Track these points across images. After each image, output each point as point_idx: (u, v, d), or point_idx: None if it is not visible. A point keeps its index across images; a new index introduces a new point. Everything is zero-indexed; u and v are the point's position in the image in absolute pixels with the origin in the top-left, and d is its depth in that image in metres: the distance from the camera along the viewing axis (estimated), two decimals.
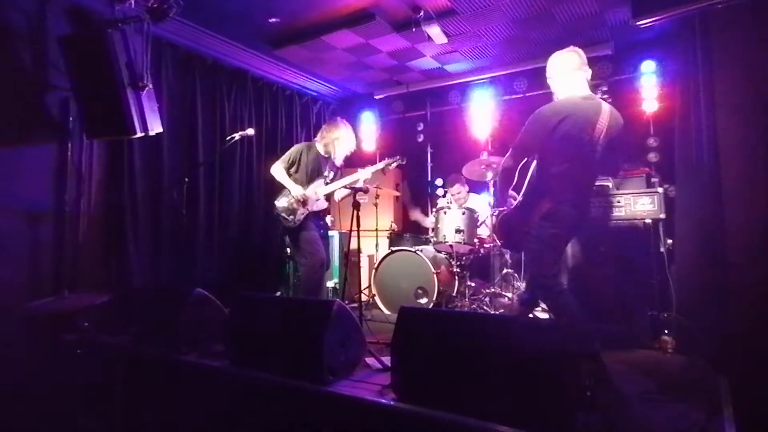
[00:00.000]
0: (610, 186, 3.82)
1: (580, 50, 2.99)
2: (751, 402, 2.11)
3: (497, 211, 3.58)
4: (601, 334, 2.89)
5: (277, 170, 4.09)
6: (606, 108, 2.84)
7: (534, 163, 3.01)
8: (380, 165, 4.17)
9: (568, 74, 2.97)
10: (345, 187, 4.05)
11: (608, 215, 3.75)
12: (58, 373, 3.14)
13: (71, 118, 3.63)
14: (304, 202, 3.98)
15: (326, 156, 4.20)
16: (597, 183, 3.32)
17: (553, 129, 2.79)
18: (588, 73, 2.96)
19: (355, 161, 4.35)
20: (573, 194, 2.82)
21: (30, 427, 2.97)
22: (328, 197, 4.17)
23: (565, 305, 2.80)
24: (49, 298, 3.24)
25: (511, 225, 3.12)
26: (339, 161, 4.24)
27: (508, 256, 4.65)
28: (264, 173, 4.25)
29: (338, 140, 4.13)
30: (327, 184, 4.13)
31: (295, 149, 4.21)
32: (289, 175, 4.11)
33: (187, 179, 3.88)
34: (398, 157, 4.25)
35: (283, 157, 4.17)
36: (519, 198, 3.07)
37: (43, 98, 3.57)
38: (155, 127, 3.39)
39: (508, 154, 3.01)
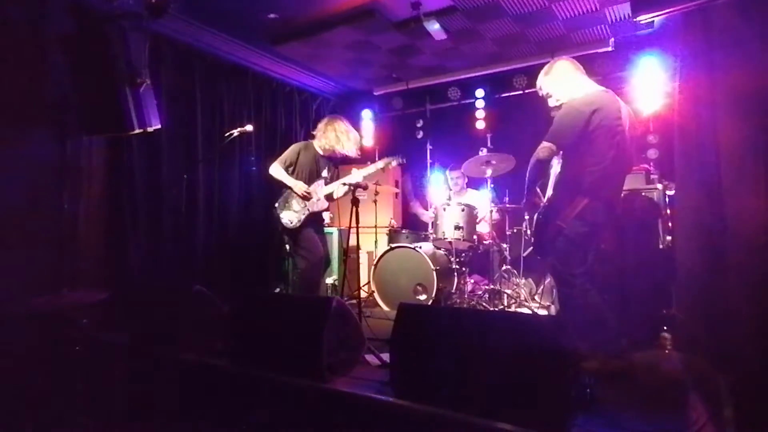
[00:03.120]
0: None
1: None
2: (751, 401, 2.11)
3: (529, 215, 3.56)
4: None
5: (276, 170, 3.97)
6: (621, 101, 2.85)
7: (559, 161, 2.94)
8: (379, 164, 4.09)
9: (577, 75, 2.98)
10: (344, 184, 3.98)
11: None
12: (58, 371, 3.14)
13: (70, 115, 3.61)
14: (306, 198, 3.90)
15: (324, 155, 4.11)
16: None
17: (588, 121, 2.72)
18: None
19: (353, 158, 4.32)
20: (608, 191, 2.80)
21: (29, 425, 2.97)
22: (328, 197, 4.06)
23: (591, 306, 2.75)
24: (49, 296, 3.24)
25: (540, 227, 3.01)
26: (354, 154, 4.12)
27: (507, 253, 4.65)
28: (263, 170, 4.24)
29: (341, 137, 4.01)
30: (327, 183, 4.05)
31: (292, 149, 4.08)
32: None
33: (186, 176, 3.87)
34: (399, 156, 4.15)
35: (281, 157, 4.05)
36: (544, 199, 3.05)
37: (42, 94, 3.56)
38: (154, 124, 3.39)
39: (541, 146, 2.82)
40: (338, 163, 4.31)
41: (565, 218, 2.78)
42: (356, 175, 3.98)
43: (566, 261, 2.82)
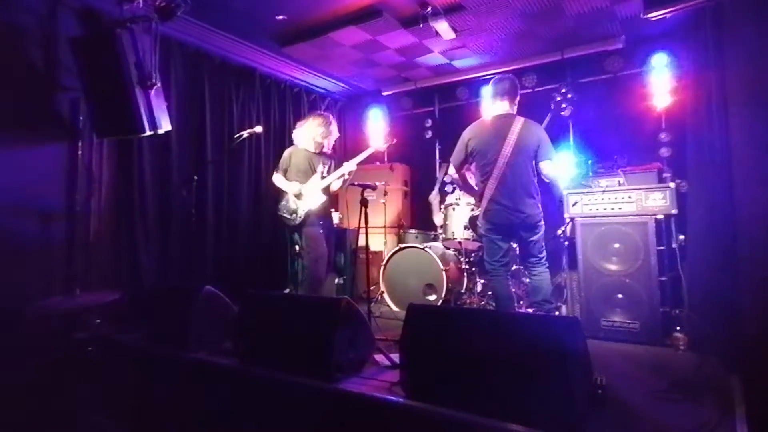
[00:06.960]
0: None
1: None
2: (764, 401, 2.08)
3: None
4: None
5: (277, 179, 4.24)
6: (519, 121, 3.44)
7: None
8: (365, 153, 4.31)
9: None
10: (342, 177, 4.21)
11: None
12: (70, 372, 3.18)
13: (81, 118, 3.66)
14: (300, 196, 4.09)
15: (315, 151, 4.27)
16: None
17: (467, 145, 3.53)
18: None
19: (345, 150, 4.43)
20: (497, 196, 3.37)
21: (42, 424, 3.01)
22: (326, 191, 4.20)
23: (495, 288, 3.50)
24: (61, 297, 3.28)
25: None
26: (328, 148, 4.41)
27: (516, 253, 4.62)
28: (271, 171, 4.30)
29: (321, 132, 4.24)
30: (323, 178, 4.19)
31: (284, 155, 4.31)
32: (289, 180, 4.20)
33: (196, 177, 3.90)
34: (386, 142, 4.46)
35: (278, 165, 4.29)
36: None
37: (54, 98, 3.61)
38: (164, 126, 3.41)
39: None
40: (335, 158, 4.42)
41: (480, 218, 3.54)
42: (349, 164, 4.18)
43: (486, 252, 3.55)
